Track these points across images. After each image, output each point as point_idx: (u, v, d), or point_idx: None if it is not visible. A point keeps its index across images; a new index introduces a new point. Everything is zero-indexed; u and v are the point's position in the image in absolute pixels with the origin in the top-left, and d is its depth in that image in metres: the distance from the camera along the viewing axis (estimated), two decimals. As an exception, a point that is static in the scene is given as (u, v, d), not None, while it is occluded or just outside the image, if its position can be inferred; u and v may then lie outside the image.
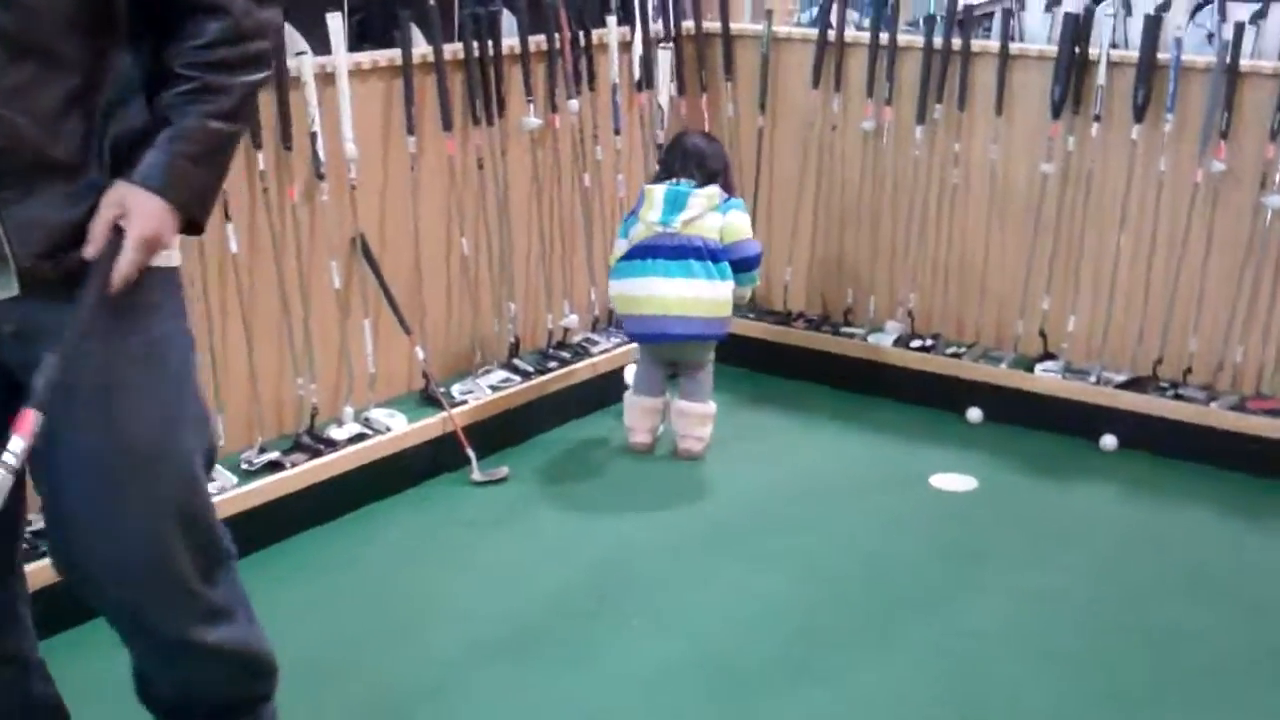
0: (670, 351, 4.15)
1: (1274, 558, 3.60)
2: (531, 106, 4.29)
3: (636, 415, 4.20)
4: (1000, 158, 4.48)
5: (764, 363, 4.83)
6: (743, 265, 4.09)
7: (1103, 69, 4.21)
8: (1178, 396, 4.19)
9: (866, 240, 4.79)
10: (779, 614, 3.25)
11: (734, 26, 4.90)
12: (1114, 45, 4.40)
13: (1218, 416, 4.09)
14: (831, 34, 4.68)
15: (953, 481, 4.02)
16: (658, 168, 4.38)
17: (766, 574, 3.44)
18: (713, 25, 4.91)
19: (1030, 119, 4.41)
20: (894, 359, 4.60)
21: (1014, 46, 4.42)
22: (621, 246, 4.15)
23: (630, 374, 4.41)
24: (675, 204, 4.04)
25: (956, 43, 4.48)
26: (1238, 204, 4.13)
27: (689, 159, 4.15)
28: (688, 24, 4.89)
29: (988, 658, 3.08)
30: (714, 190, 4.08)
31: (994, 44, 4.45)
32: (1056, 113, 4.32)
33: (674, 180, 4.11)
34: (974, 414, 4.47)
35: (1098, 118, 4.26)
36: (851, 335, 4.72)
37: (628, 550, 3.56)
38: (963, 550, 3.61)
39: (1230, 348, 4.20)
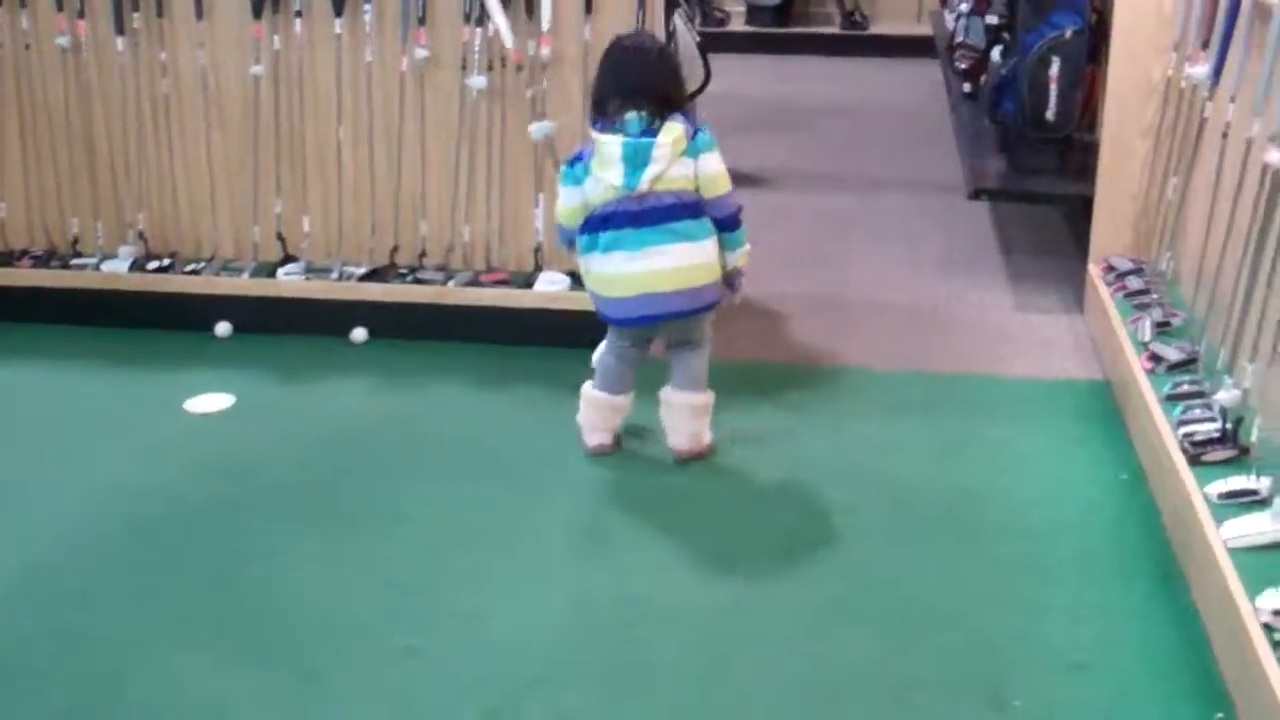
0: (659, 330, 3.54)
1: (519, 418, 3.84)
2: None
3: (602, 414, 3.59)
4: (209, 63, 4.35)
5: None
6: (727, 224, 3.43)
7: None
8: (417, 280, 4.33)
9: (83, 163, 4.50)
10: (44, 579, 3.05)
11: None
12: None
13: (455, 294, 4.28)
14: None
15: (208, 402, 3.92)
16: (593, 102, 3.48)
17: (25, 542, 3.20)
18: None
19: (232, 21, 4.31)
20: (132, 285, 4.40)
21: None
22: (573, 203, 3.43)
23: (598, 358, 3.66)
24: (636, 160, 3.32)
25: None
26: (445, 87, 4.29)
27: (631, 89, 3.37)
28: None
29: (267, 573, 3.07)
30: (678, 130, 3.34)
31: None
32: (257, 13, 4.25)
33: (619, 119, 3.35)
34: (222, 328, 4.37)
35: (299, 14, 4.25)
36: (83, 266, 4.45)
37: None
38: (225, 470, 3.54)
39: (458, 227, 4.39)
